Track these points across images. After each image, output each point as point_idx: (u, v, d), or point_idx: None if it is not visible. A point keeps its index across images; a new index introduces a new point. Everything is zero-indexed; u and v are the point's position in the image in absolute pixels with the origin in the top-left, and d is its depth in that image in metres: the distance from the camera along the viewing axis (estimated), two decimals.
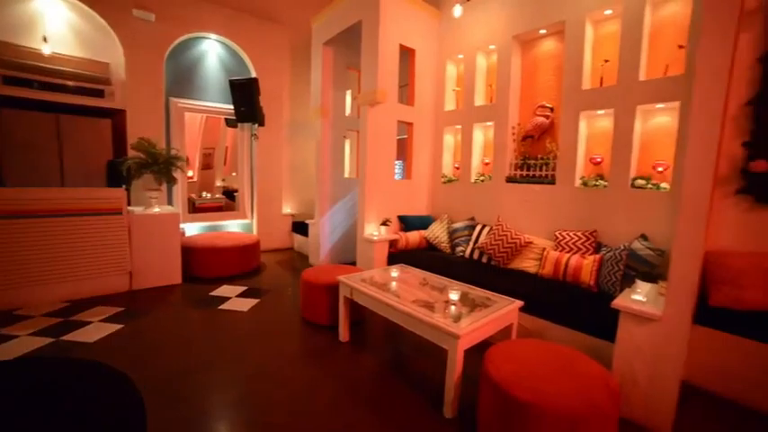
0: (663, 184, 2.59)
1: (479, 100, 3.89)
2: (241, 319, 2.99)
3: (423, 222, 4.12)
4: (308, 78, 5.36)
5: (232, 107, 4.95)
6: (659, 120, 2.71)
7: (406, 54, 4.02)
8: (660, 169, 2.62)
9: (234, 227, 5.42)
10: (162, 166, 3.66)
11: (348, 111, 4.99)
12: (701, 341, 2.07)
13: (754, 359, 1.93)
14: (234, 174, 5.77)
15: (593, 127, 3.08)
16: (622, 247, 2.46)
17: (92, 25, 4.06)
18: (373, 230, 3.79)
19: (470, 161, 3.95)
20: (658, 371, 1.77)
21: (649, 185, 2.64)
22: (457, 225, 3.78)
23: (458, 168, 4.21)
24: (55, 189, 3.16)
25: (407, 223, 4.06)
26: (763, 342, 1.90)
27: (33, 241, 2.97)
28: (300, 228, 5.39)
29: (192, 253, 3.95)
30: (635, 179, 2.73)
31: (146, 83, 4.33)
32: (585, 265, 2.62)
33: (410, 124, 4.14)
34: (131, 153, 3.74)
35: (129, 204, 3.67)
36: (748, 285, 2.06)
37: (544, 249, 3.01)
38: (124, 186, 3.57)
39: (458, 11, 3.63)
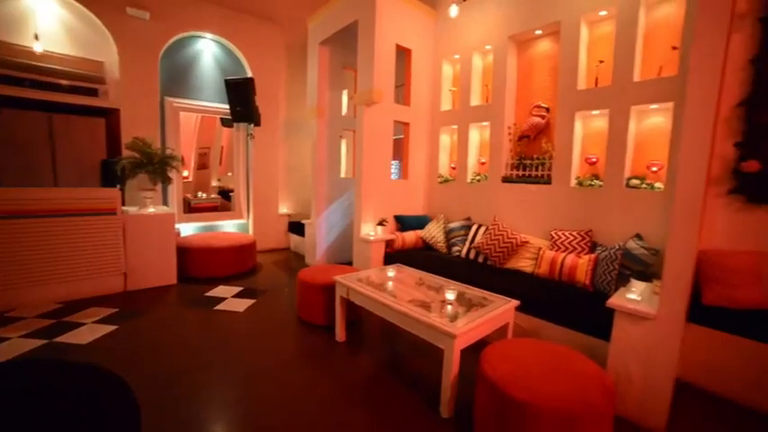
0: (657, 184, 2.61)
1: (475, 100, 3.90)
2: (237, 319, 2.98)
3: (419, 222, 4.12)
4: (304, 78, 5.34)
5: (228, 107, 4.93)
6: (653, 120, 2.73)
7: (403, 54, 4.02)
8: (654, 169, 2.64)
9: (230, 227, 5.40)
10: (157, 166, 3.63)
11: (344, 110, 4.98)
12: (694, 340, 2.09)
13: (748, 357, 1.95)
14: (230, 174, 5.74)
15: (589, 127, 3.10)
16: (617, 247, 2.48)
17: (85, 23, 4.02)
18: (370, 230, 3.79)
19: (466, 161, 3.96)
20: (653, 369, 1.78)
21: (644, 185, 2.66)
22: (453, 225, 3.79)
23: (454, 168, 4.22)
24: (48, 189, 3.13)
25: (404, 223, 4.06)
26: (756, 340, 1.92)
27: (26, 242, 2.93)
28: (297, 228, 5.37)
29: (187, 253, 3.93)
30: (629, 179, 2.75)
31: (140, 82, 4.29)
32: (581, 265, 2.63)
33: (406, 124, 4.14)
34: (126, 153, 3.71)
35: (123, 204, 3.64)
36: (741, 284, 2.09)
37: (540, 249, 3.02)
38: (118, 186, 3.54)
39: (454, 11, 3.64)
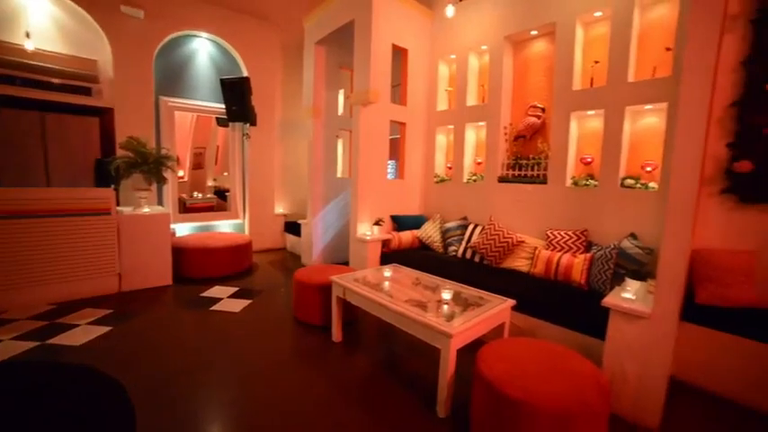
0: (651, 184, 2.63)
1: (471, 100, 3.91)
2: (233, 319, 2.96)
3: (415, 222, 4.12)
4: (300, 77, 5.32)
5: (223, 106, 4.90)
6: (648, 120, 2.76)
7: (399, 54, 4.02)
8: (649, 169, 2.66)
9: (225, 227, 5.37)
10: (152, 166, 3.60)
11: (341, 110, 4.97)
12: (688, 338, 2.12)
13: (740, 355, 1.97)
14: (225, 173, 5.71)
15: (584, 127, 3.11)
16: (612, 246, 2.50)
17: (77, 21, 3.97)
18: (366, 230, 3.78)
19: (463, 161, 3.97)
20: (647, 367, 1.80)
21: (638, 185, 2.68)
22: (449, 225, 3.80)
23: (450, 168, 4.23)
24: (40, 189, 3.09)
25: (400, 223, 4.06)
26: (749, 338, 1.94)
27: (18, 242, 2.90)
28: (293, 228, 5.35)
29: (182, 253, 3.90)
30: (624, 179, 2.77)
31: (135, 81, 4.26)
32: (576, 264, 2.65)
33: (403, 124, 4.14)
34: (120, 152, 3.67)
35: (117, 204, 3.60)
36: (733, 283, 2.11)
37: (536, 248, 3.04)
38: (113, 186, 3.51)
39: (450, 11, 3.64)
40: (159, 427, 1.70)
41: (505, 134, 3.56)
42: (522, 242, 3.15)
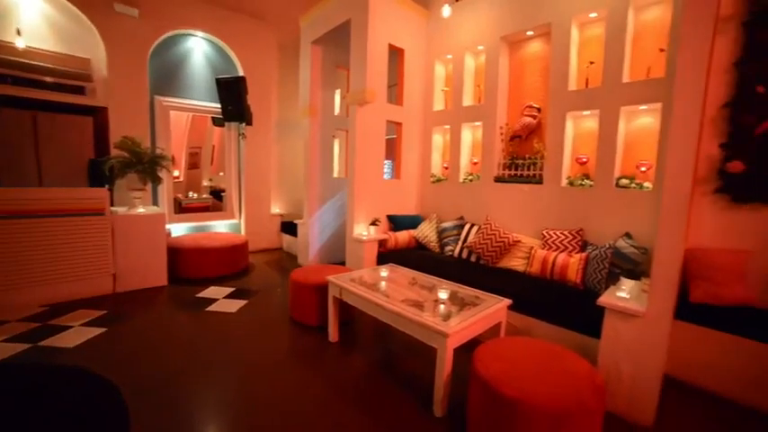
0: (646, 184, 2.65)
1: (468, 100, 3.92)
2: (229, 320, 2.95)
3: (412, 222, 4.13)
4: (296, 77, 5.31)
5: (219, 106, 4.87)
6: (642, 121, 2.78)
7: (395, 54, 4.02)
8: (643, 169, 2.68)
9: (221, 227, 5.34)
10: (147, 166, 3.57)
11: (337, 110, 4.96)
12: (682, 336, 2.14)
13: (733, 353, 1.99)
14: (221, 173, 5.68)
15: (579, 127, 3.13)
16: (607, 246, 2.51)
17: (70, 19, 3.92)
18: (362, 230, 3.78)
19: (459, 161, 3.98)
20: (641, 366, 1.81)
21: (633, 185, 2.70)
22: (446, 224, 3.80)
23: (447, 168, 4.24)
24: (33, 189, 3.05)
25: (397, 223, 4.06)
26: (740, 336, 1.96)
27: (9, 243, 2.86)
28: (289, 228, 5.34)
29: (178, 254, 3.87)
30: (619, 179, 2.79)
31: (129, 80, 4.22)
32: (572, 264, 2.66)
33: (399, 124, 4.14)
34: (114, 152, 3.64)
35: (112, 204, 3.57)
36: (725, 282, 2.14)
37: (532, 248, 3.05)
38: (107, 186, 3.47)
39: (446, 11, 3.65)
40: (156, 428, 1.69)
41: (501, 134, 3.57)
42: (519, 242, 3.16)
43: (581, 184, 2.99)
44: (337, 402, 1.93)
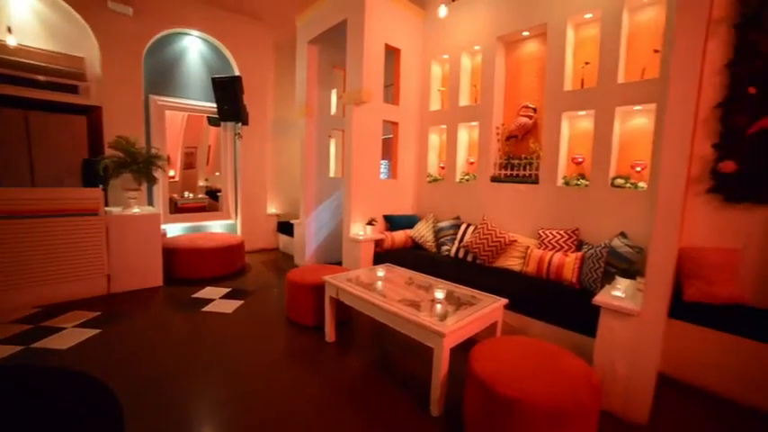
0: (641, 184, 2.67)
1: (464, 100, 3.93)
2: (225, 321, 2.93)
3: (408, 222, 4.13)
4: (292, 77, 5.30)
5: (215, 105, 4.84)
6: (637, 121, 2.80)
7: (392, 53, 4.02)
8: (638, 169, 2.70)
9: (217, 227, 5.31)
10: (141, 166, 3.54)
11: (333, 110, 4.95)
12: (676, 335, 2.15)
13: (726, 351, 2.01)
14: (217, 173, 5.65)
15: (575, 127, 3.15)
16: (603, 245, 2.53)
17: (62, 17, 3.88)
18: (359, 230, 3.78)
19: (455, 161, 3.98)
20: (636, 364, 1.82)
21: (628, 185, 2.72)
22: (442, 224, 3.81)
23: (443, 168, 4.24)
24: (25, 189, 3.02)
25: (393, 223, 4.06)
26: (733, 334, 1.99)
27: (2, 244, 2.82)
28: (285, 228, 5.32)
29: (173, 254, 3.85)
30: (614, 178, 2.81)
31: (123, 79, 4.18)
32: (568, 263, 2.68)
33: (395, 124, 4.14)
34: (109, 152, 3.61)
35: (106, 205, 3.54)
36: (718, 280, 2.16)
37: (528, 248, 3.06)
38: (101, 186, 3.44)
39: (443, 11, 3.66)
40: (152, 429, 1.67)
41: (498, 134, 3.59)
42: (515, 241, 3.17)
43: (576, 184, 3.01)
44: (334, 402, 1.93)
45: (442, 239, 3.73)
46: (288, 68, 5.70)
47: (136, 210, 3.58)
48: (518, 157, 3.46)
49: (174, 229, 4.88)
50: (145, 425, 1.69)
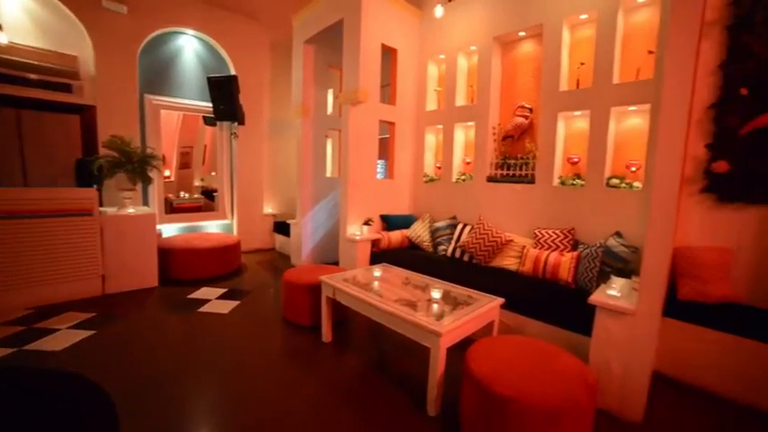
0: (636, 183, 2.69)
1: (460, 100, 3.94)
2: (221, 321, 2.92)
3: (405, 222, 4.13)
4: (289, 76, 5.27)
5: (210, 105, 4.82)
6: (632, 121, 2.82)
7: (388, 53, 4.02)
8: (633, 169, 2.72)
9: (213, 227, 5.28)
10: (136, 165, 3.52)
11: (330, 110, 4.94)
12: (670, 333, 2.17)
13: (719, 349, 2.04)
14: (213, 173, 5.62)
15: (571, 127, 3.17)
16: (598, 245, 2.55)
17: (55, 14, 3.82)
18: (355, 230, 3.77)
19: (452, 161, 3.99)
20: (631, 363, 1.84)
21: (623, 184, 2.74)
22: (439, 224, 3.82)
23: (439, 168, 4.25)
24: (17, 189, 2.98)
25: (390, 223, 4.06)
26: (727, 332, 2.01)
27: None
28: (282, 228, 5.30)
29: (169, 254, 3.82)
30: (610, 178, 2.83)
31: (118, 78, 4.14)
32: (564, 263, 2.69)
33: (392, 124, 4.14)
34: (103, 151, 3.57)
35: (101, 205, 3.51)
36: (712, 279, 2.18)
37: (524, 247, 3.07)
38: (95, 186, 3.41)
39: (439, 11, 3.66)
40: (148, 431, 1.67)
41: (494, 134, 3.60)
42: (511, 241, 3.18)
43: (572, 184, 3.02)
44: (331, 402, 1.93)
45: (438, 239, 3.74)
46: (284, 68, 5.68)
47: (131, 210, 3.56)
48: (514, 157, 3.47)
49: (170, 230, 4.85)
50: (140, 426, 1.68)
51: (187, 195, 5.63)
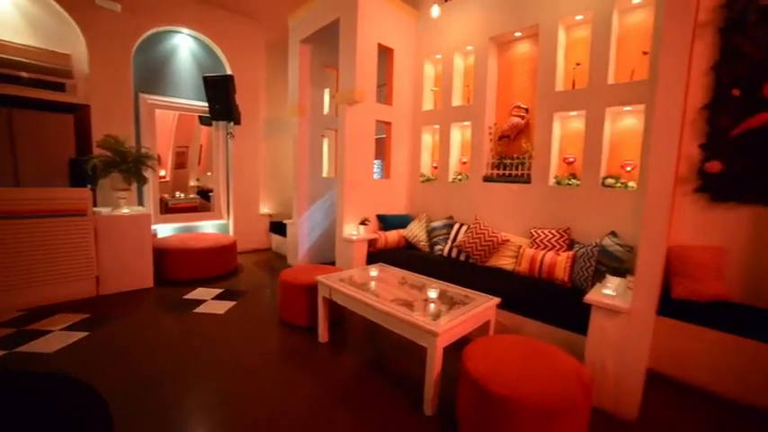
0: (631, 183, 2.71)
1: (457, 100, 3.95)
2: (217, 322, 2.90)
3: (401, 221, 4.13)
4: (285, 76, 5.26)
5: (206, 105, 4.79)
6: (627, 121, 2.84)
7: (385, 53, 4.02)
8: (628, 169, 2.74)
9: (209, 227, 5.25)
10: (131, 165, 3.48)
11: (326, 109, 4.93)
12: (664, 332, 2.19)
13: (712, 347, 2.05)
14: (209, 173, 5.59)
15: (566, 128, 3.19)
16: (594, 244, 2.56)
17: (47, 12, 3.77)
18: (352, 230, 3.77)
19: (448, 160, 4.00)
20: (626, 361, 1.85)
21: (618, 184, 2.76)
22: (435, 224, 3.82)
23: (436, 168, 4.26)
24: (10, 189, 2.94)
25: (386, 222, 4.06)
26: (720, 330, 2.03)
27: None
28: (278, 228, 5.29)
29: (164, 255, 3.80)
30: (605, 178, 2.84)
31: (112, 77, 4.11)
32: (559, 262, 2.71)
33: (388, 124, 4.14)
34: (97, 151, 3.54)
35: (95, 205, 3.47)
36: (705, 278, 2.20)
37: (520, 247, 3.09)
38: (89, 186, 3.38)
39: (435, 11, 3.66)
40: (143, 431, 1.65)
41: (490, 134, 3.61)
42: (507, 241, 3.19)
43: (568, 184, 3.04)
44: (327, 402, 1.92)
45: (435, 239, 3.74)
46: (280, 68, 5.66)
47: (125, 210, 3.53)
48: (510, 157, 3.49)
49: (165, 230, 4.82)
50: (135, 428, 1.67)
51: (183, 195, 5.61)
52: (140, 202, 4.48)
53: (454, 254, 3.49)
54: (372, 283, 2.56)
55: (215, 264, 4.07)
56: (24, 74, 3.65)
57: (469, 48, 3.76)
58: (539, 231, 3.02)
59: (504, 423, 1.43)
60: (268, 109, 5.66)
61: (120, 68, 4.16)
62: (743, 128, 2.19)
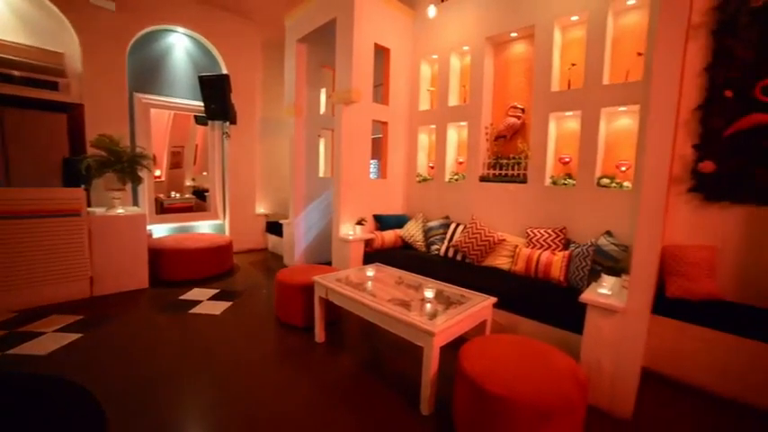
0: (626, 183, 2.73)
1: (453, 100, 3.95)
2: (213, 322, 2.89)
3: (398, 221, 4.13)
4: (281, 76, 5.24)
5: (202, 104, 4.76)
6: (622, 122, 2.86)
7: (381, 53, 4.02)
8: (623, 169, 2.76)
9: (205, 228, 5.23)
10: (126, 165, 3.46)
11: (323, 109, 4.92)
12: (659, 330, 2.21)
13: (706, 345, 2.07)
14: (204, 173, 5.56)
15: (562, 128, 3.20)
16: (589, 244, 2.58)
17: (39, 10, 3.72)
18: (348, 230, 3.77)
19: (445, 160, 4.01)
20: (621, 360, 1.86)
21: (613, 184, 2.78)
22: (432, 224, 3.83)
23: (432, 168, 4.26)
24: (2, 189, 2.91)
25: (383, 222, 4.06)
26: (712, 328, 2.05)
27: None
28: (275, 228, 5.27)
29: (160, 255, 3.77)
30: (600, 178, 2.86)
31: (106, 76, 4.07)
32: (555, 261, 2.72)
33: (385, 123, 4.14)
34: (91, 151, 3.51)
35: (89, 205, 3.44)
36: (698, 277, 2.22)
37: (516, 246, 3.10)
38: (83, 186, 3.34)
39: (432, 11, 3.66)
40: None
41: (486, 134, 3.62)
42: (503, 240, 3.21)
43: (564, 184, 3.06)
44: (324, 402, 1.92)
45: (431, 239, 3.75)
46: (276, 67, 5.64)
47: (120, 210, 3.50)
48: (506, 157, 3.50)
49: (161, 230, 4.78)
50: (130, 430, 1.65)
51: (178, 195, 5.57)
52: (135, 203, 4.44)
53: (451, 254, 3.49)
54: (369, 283, 2.56)
55: (211, 264, 4.04)
56: (16, 72, 3.61)
57: (466, 48, 3.77)
58: (535, 231, 3.03)
59: (500, 422, 1.44)
60: (264, 108, 5.64)
61: (115, 67, 4.13)
62: (734, 129, 2.22)
